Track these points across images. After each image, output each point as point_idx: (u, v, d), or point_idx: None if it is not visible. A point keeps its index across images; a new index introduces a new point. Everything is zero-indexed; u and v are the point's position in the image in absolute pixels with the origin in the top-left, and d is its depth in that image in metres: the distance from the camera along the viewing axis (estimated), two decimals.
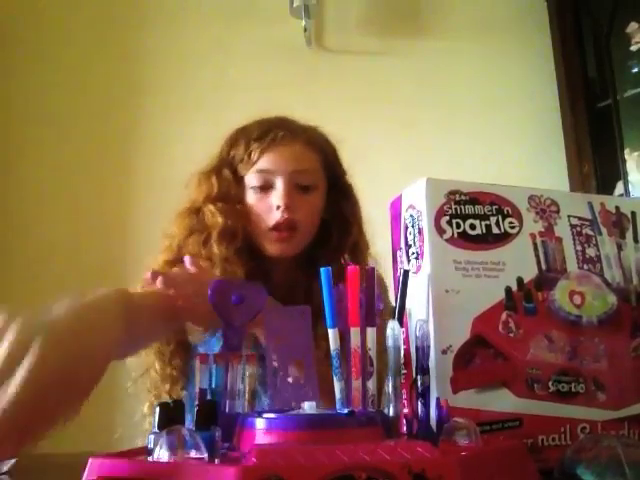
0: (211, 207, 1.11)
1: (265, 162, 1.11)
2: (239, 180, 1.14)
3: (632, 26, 1.97)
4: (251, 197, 1.13)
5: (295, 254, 1.14)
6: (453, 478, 0.48)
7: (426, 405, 0.63)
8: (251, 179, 1.12)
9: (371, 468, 0.48)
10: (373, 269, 0.69)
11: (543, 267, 0.72)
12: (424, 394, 0.63)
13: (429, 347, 0.66)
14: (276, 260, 1.14)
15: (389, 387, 0.64)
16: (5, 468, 0.80)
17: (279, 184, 1.10)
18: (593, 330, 0.72)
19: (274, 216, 1.09)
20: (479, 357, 0.68)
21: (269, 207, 1.10)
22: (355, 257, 1.17)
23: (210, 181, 1.14)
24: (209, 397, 0.65)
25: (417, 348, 0.65)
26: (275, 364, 0.70)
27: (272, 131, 1.13)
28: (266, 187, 1.11)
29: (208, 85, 2.19)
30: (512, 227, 0.72)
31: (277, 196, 1.10)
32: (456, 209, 0.71)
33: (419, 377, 0.64)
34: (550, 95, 2.16)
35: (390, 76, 2.23)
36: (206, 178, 1.15)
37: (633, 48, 1.97)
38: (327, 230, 1.18)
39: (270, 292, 0.81)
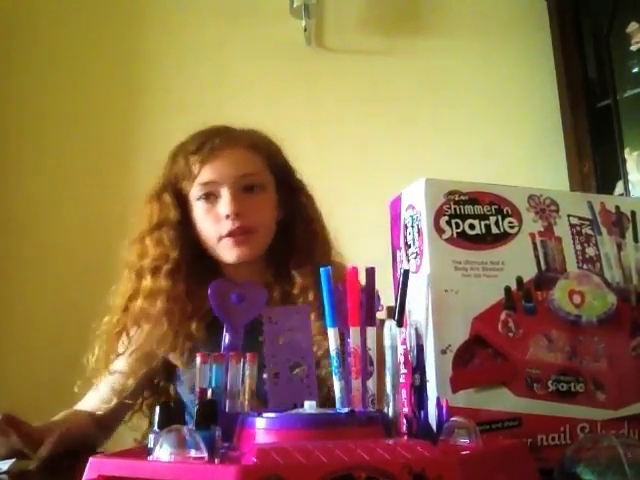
0: (153, 236, 1.12)
1: (206, 173, 1.10)
2: (184, 198, 1.13)
3: (632, 26, 1.97)
4: (199, 210, 1.11)
5: (255, 257, 1.12)
6: (453, 478, 0.48)
7: (422, 404, 0.63)
8: (196, 192, 1.11)
9: (371, 468, 0.48)
10: (373, 269, 0.69)
11: (542, 267, 0.72)
12: (420, 393, 0.64)
13: (422, 346, 0.66)
14: (236, 268, 1.13)
15: (388, 386, 0.64)
16: (5, 468, 0.80)
17: (224, 193, 1.09)
18: (593, 330, 0.72)
19: (225, 225, 1.09)
20: (478, 357, 0.68)
21: (218, 217, 1.09)
22: (324, 254, 1.15)
23: (150, 208, 1.14)
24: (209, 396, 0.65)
25: (411, 347, 0.65)
26: (274, 363, 0.70)
27: (209, 141, 1.12)
28: (212, 197, 1.10)
29: (208, 84, 2.19)
30: (511, 227, 0.72)
31: (224, 205, 1.08)
32: (455, 209, 0.71)
33: (415, 376, 0.64)
34: (550, 95, 2.15)
35: (390, 75, 2.23)
36: (148, 205, 1.15)
37: (633, 48, 1.97)
38: (287, 231, 1.17)
39: None
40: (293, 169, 1.22)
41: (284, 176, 1.19)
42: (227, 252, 1.10)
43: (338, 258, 1.19)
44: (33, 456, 0.88)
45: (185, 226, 1.12)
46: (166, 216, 1.12)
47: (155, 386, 1.18)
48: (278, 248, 1.16)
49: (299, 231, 1.17)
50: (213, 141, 1.12)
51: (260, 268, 1.16)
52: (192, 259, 1.13)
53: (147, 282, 1.10)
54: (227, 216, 1.08)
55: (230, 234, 1.08)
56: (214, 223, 1.10)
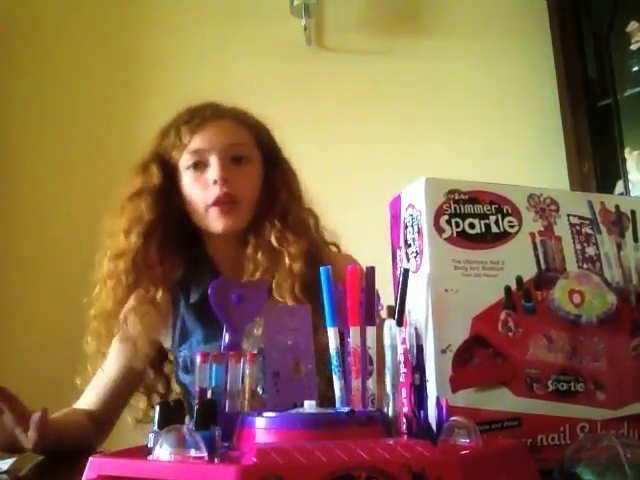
0: (133, 202, 1.15)
1: (196, 142, 1.13)
2: (171, 168, 1.15)
3: (632, 25, 1.97)
4: (187, 178, 1.13)
5: (239, 228, 1.14)
6: (453, 478, 0.48)
7: (422, 404, 0.63)
8: (185, 160, 1.13)
9: (371, 467, 0.48)
10: (373, 268, 0.69)
11: (542, 266, 0.72)
12: (420, 392, 0.64)
13: (421, 345, 0.66)
14: (217, 239, 1.16)
15: (388, 386, 0.64)
16: (5, 467, 0.80)
17: (213, 160, 1.11)
18: (592, 329, 0.72)
19: (212, 191, 1.10)
20: (478, 356, 0.68)
21: (206, 183, 1.11)
22: (289, 226, 1.15)
23: (136, 177, 1.16)
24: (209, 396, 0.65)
25: (410, 347, 0.65)
26: (274, 362, 0.70)
27: (199, 113, 1.16)
28: (201, 165, 1.13)
29: (208, 84, 2.19)
30: (511, 226, 0.72)
31: (213, 171, 1.11)
32: (455, 208, 0.71)
33: (414, 376, 0.64)
34: (550, 94, 2.15)
35: (390, 75, 2.23)
36: (134, 176, 1.17)
37: (633, 47, 1.97)
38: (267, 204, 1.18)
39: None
40: (280, 148, 1.24)
41: (270, 153, 1.21)
42: (213, 222, 1.12)
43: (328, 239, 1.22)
44: (25, 439, 0.88)
45: (169, 194, 1.14)
46: (147, 184, 1.14)
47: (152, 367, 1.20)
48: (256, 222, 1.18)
49: (265, 200, 1.18)
50: (203, 113, 1.16)
51: (240, 241, 1.17)
52: (171, 227, 1.15)
53: (119, 242, 1.13)
54: (215, 181, 1.10)
55: (217, 201, 1.10)
56: (202, 189, 1.12)
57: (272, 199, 1.17)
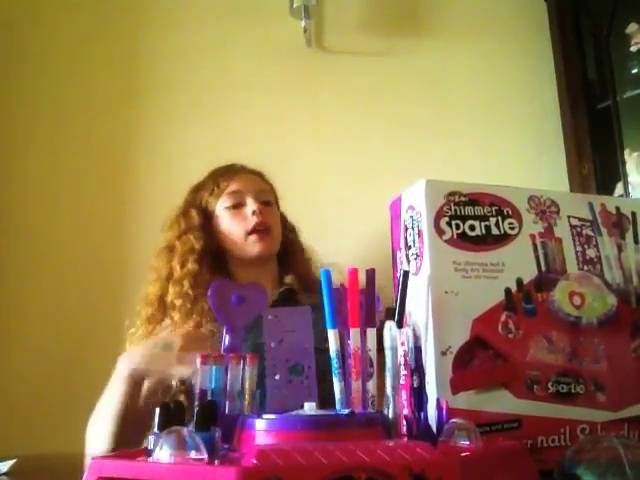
0: (182, 239, 1.35)
1: (234, 186, 1.38)
2: (208, 213, 1.38)
3: (632, 27, 1.97)
4: (225, 216, 1.36)
5: (271, 254, 1.36)
6: (453, 479, 0.48)
7: (422, 405, 0.63)
8: (224, 202, 1.37)
9: (371, 469, 0.48)
10: (373, 270, 0.69)
11: (543, 268, 0.72)
12: (419, 394, 0.64)
13: (420, 347, 0.66)
14: (248, 266, 1.35)
15: (388, 388, 0.64)
16: (5, 469, 0.80)
17: (249, 199, 1.36)
18: (593, 331, 0.72)
19: (251, 221, 1.33)
20: (478, 358, 0.68)
21: (244, 216, 1.34)
22: (305, 263, 1.46)
23: (179, 221, 1.38)
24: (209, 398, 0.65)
25: (409, 348, 0.65)
26: (275, 364, 0.70)
27: (232, 167, 1.43)
28: (238, 205, 1.36)
29: (207, 85, 2.19)
30: (512, 228, 0.72)
31: (250, 206, 1.35)
32: (456, 210, 0.71)
33: (413, 377, 0.64)
34: (550, 95, 2.15)
35: (390, 76, 2.23)
36: (176, 220, 1.39)
37: (633, 49, 1.96)
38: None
39: None
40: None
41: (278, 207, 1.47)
42: (252, 247, 1.33)
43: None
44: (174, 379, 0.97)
45: (207, 233, 1.35)
46: (191, 224, 1.36)
47: None
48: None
49: (292, 257, 1.45)
50: (235, 167, 1.42)
51: (262, 267, 1.37)
52: (213, 257, 1.35)
53: (177, 273, 1.30)
54: (253, 212, 1.33)
55: (255, 227, 1.32)
56: (241, 222, 1.34)
57: (294, 248, 1.46)
